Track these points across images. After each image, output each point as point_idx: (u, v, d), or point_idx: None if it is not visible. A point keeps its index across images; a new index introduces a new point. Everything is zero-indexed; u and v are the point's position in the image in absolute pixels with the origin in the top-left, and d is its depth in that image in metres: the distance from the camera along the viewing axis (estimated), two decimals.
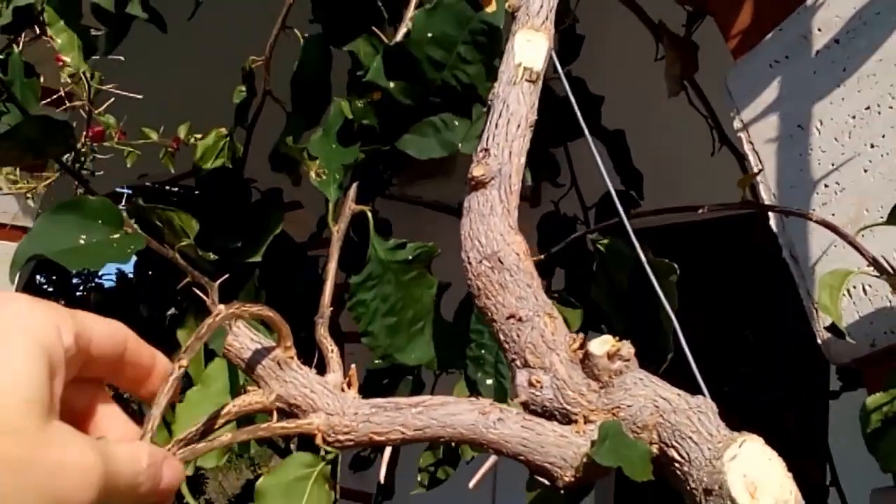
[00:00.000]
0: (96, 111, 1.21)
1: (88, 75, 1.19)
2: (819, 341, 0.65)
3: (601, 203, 1.16)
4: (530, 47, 0.65)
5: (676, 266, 0.70)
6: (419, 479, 1.01)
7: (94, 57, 1.00)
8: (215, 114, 1.08)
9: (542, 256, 0.97)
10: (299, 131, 0.86)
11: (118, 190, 3.31)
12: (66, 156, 1.18)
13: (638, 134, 1.18)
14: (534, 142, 0.69)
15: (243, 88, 0.97)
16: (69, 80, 1.22)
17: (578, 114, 0.79)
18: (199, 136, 1.26)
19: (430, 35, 0.70)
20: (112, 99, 1.24)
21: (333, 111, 0.73)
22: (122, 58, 1.06)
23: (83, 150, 1.23)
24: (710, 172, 0.97)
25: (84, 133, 1.24)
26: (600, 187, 1.14)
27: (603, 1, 0.98)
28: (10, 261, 0.69)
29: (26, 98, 0.99)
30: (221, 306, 0.48)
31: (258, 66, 0.94)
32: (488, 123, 0.63)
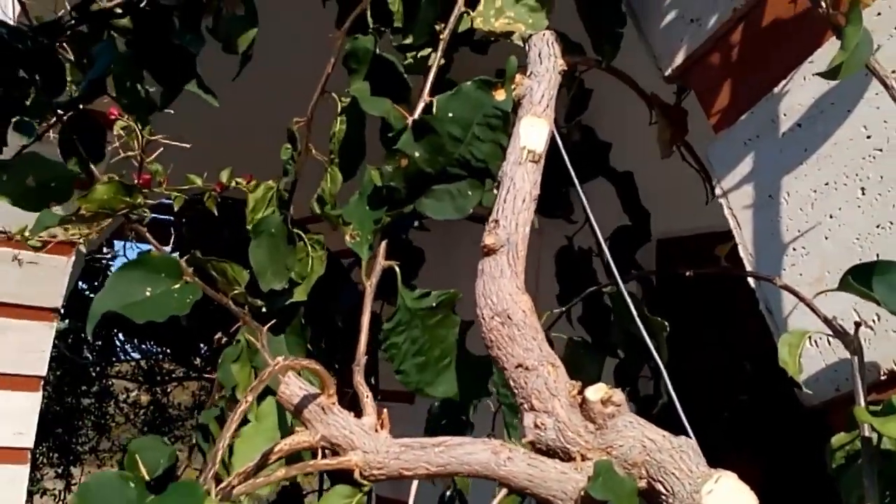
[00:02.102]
0: (147, 159, 1.32)
1: (140, 128, 1.31)
2: (795, 388, 0.74)
3: (613, 237, 1.27)
4: (533, 132, 0.76)
5: (667, 323, 0.79)
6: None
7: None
8: (255, 160, 1.19)
9: (563, 310, 1.07)
10: (337, 182, 0.97)
11: (157, 216, 3.44)
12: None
13: (645, 175, 1.28)
14: (551, 184, 0.78)
15: (289, 146, 1.08)
16: (122, 133, 1.33)
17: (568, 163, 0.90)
18: (240, 179, 1.38)
19: (450, 115, 0.81)
20: (161, 149, 1.34)
21: (366, 179, 0.84)
22: (171, 111, 1.19)
23: (139, 187, 1.34)
24: (709, 211, 1.05)
25: (136, 181, 1.34)
26: (611, 223, 1.25)
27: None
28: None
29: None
30: (280, 358, 0.58)
31: (300, 127, 1.06)
32: (498, 198, 0.73)
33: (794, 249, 0.75)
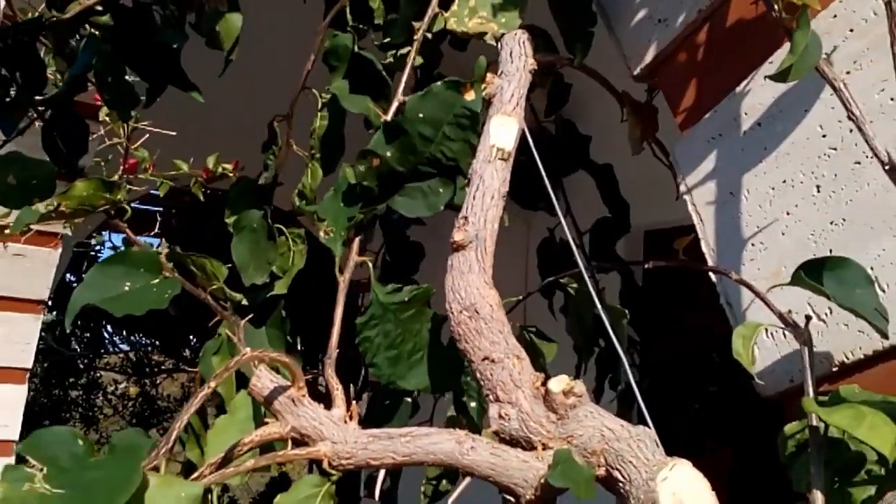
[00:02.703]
0: (132, 146, 1.32)
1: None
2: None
3: (594, 229, 1.29)
4: (503, 130, 0.77)
5: (627, 311, 0.81)
6: (423, 490, 1.11)
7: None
8: (240, 147, 1.20)
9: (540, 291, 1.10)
10: (318, 177, 0.99)
11: (147, 208, 3.44)
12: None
13: (631, 167, 1.30)
14: (532, 177, 0.80)
15: (269, 144, 1.10)
16: (108, 120, 1.33)
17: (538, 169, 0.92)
18: (227, 165, 1.38)
19: (420, 115, 0.83)
20: (147, 135, 1.34)
21: (341, 176, 0.85)
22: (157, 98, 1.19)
23: (121, 181, 1.35)
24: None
25: (121, 166, 1.35)
26: (592, 215, 1.27)
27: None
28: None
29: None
30: (248, 349, 0.60)
31: (281, 123, 1.07)
32: (467, 195, 0.75)
33: (753, 245, 0.77)
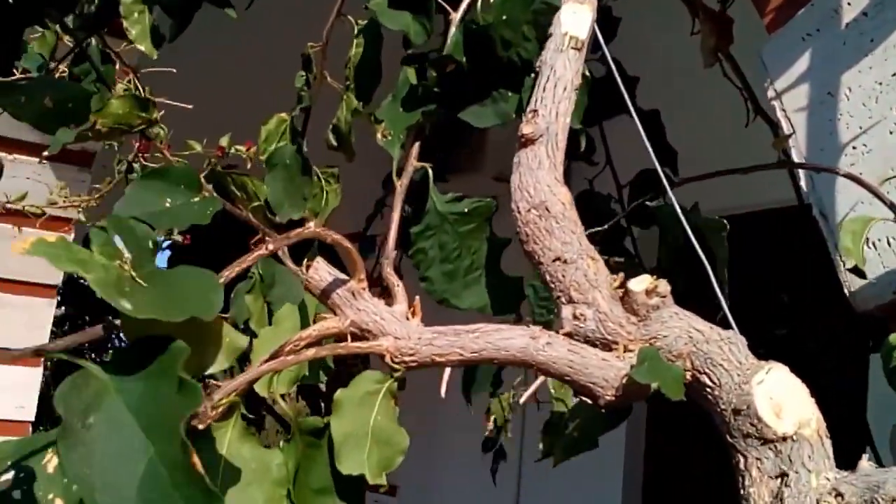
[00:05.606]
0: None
1: (142, 89, 1.29)
2: (846, 292, 0.69)
3: (635, 181, 1.21)
4: (576, 18, 0.71)
5: (726, 222, 0.75)
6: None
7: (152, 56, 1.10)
8: (255, 125, 1.17)
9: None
10: (353, 107, 0.94)
11: None
12: (119, 167, 1.30)
13: (672, 113, 1.22)
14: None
15: (303, 73, 1.05)
16: (123, 88, 1.31)
17: (624, 92, 0.85)
18: (240, 147, 1.35)
19: (503, 17, 0.77)
20: (162, 111, 1.32)
21: (402, 78, 0.80)
22: (174, 70, 1.16)
23: (135, 161, 1.33)
24: (742, 148, 1.01)
25: (137, 145, 1.33)
26: (634, 166, 1.20)
27: None
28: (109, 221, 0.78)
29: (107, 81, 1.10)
30: (310, 223, 0.56)
31: (316, 52, 1.02)
32: (536, 87, 0.69)
33: (854, 148, 0.70)
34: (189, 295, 0.43)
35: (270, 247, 0.51)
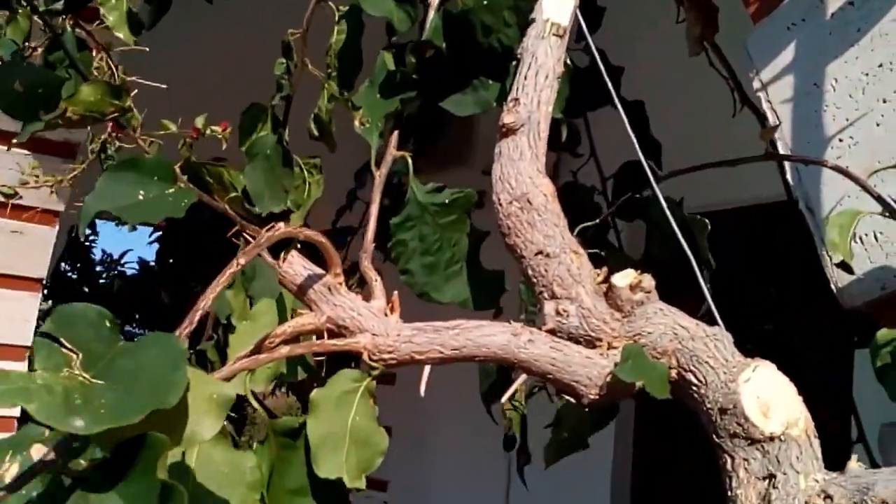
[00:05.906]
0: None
1: (115, 69, 1.25)
2: (833, 288, 0.69)
3: (619, 173, 1.20)
4: (558, 4, 0.69)
5: (707, 221, 0.73)
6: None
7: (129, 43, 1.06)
8: (231, 106, 1.13)
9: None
10: (334, 94, 0.91)
11: None
12: (92, 146, 1.26)
13: (656, 105, 1.21)
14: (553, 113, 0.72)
15: (283, 60, 1.02)
16: (96, 75, 1.26)
17: (609, 82, 0.84)
18: (216, 127, 1.31)
19: (484, 2, 0.74)
20: (136, 90, 1.28)
21: (378, 63, 0.77)
22: (146, 48, 1.12)
23: (108, 141, 1.29)
24: (727, 141, 1.00)
25: (109, 128, 1.28)
26: (618, 158, 1.18)
27: None
28: (82, 214, 0.74)
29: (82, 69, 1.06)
30: (280, 223, 0.53)
31: (296, 39, 0.99)
32: (518, 75, 0.67)
33: (841, 140, 0.69)
34: (151, 377, 0.39)
35: (242, 261, 0.48)
